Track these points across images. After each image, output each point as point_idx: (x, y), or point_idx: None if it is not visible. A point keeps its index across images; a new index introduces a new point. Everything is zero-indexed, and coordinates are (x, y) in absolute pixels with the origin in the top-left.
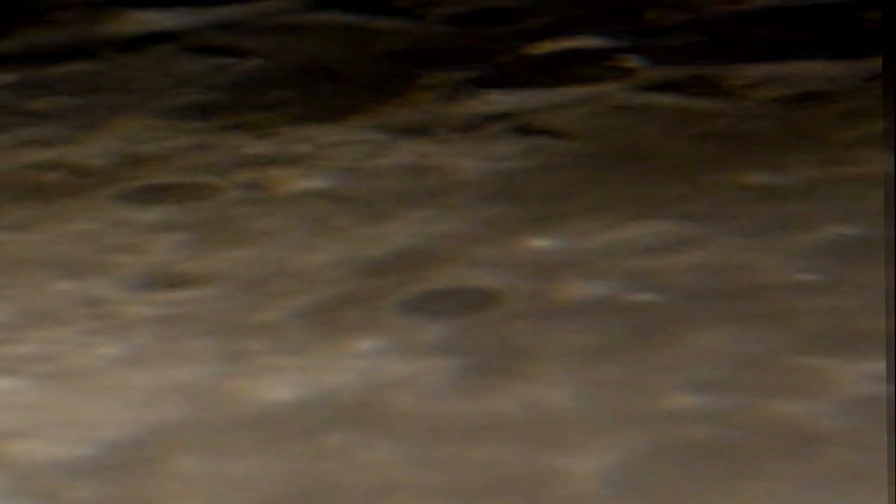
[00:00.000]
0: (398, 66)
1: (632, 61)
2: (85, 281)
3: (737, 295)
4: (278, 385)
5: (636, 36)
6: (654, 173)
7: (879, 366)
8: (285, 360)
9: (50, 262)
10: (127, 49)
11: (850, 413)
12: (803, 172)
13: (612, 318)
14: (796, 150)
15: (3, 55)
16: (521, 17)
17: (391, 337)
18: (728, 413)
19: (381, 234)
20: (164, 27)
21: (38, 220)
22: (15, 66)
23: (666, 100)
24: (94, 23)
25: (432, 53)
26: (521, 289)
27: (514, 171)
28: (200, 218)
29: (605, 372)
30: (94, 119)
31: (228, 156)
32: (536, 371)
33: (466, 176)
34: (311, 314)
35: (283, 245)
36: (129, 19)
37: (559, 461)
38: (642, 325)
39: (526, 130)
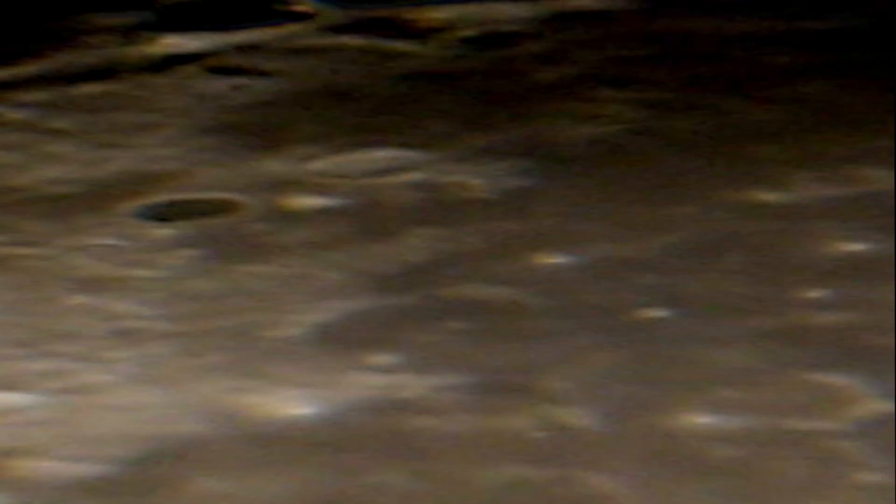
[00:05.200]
0: (411, 87)
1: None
2: (102, 296)
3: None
4: (294, 401)
5: None
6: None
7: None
8: (301, 377)
9: (68, 277)
10: (151, 70)
11: (867, 430)
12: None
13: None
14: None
15: (32, 76)
16: None
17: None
18: (745, 431)
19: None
20: (187, 49)
21: (56, 235)
22: (42, 87)
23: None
24: (123, 46)
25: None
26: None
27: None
28: (217, 234)
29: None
30: (114, 137)
31: (245, 173)
32: (552, 388)
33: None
34: (327, 330)
35: (299, 261)
36: (156, 43)
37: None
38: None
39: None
